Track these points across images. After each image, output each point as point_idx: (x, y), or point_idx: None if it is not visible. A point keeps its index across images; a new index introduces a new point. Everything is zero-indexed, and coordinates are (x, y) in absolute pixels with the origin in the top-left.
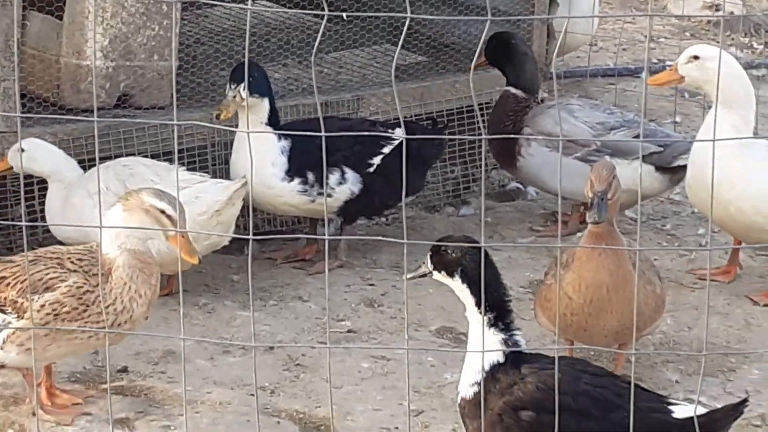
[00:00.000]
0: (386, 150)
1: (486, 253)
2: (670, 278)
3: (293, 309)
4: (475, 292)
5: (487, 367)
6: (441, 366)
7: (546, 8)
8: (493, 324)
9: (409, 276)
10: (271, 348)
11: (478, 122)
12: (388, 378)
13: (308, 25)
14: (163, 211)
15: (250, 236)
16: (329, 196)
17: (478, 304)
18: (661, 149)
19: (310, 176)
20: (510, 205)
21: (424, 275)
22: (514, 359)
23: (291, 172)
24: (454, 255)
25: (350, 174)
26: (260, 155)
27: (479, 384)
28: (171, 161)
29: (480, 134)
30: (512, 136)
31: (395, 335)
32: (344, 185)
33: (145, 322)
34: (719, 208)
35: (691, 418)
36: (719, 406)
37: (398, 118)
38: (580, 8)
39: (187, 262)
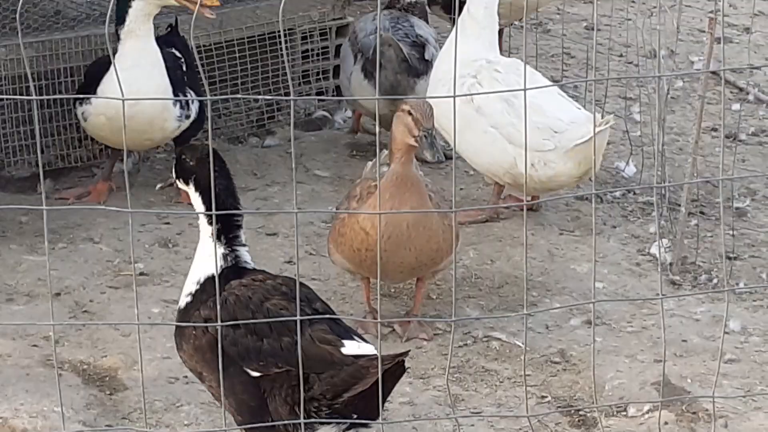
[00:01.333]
0: None
1: (222, 164)
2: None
3: (83, 252)
4: (205, 201)
5: (202, 279)
6: None
7: None
8: (217, 237)
9: (158, 186)
10: (58, 294)
11: (281, 49)
12: None
13: None
14: None
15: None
16: (188, 117)
17: (207, 214)
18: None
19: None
20: (316, 135)
21: (171, 184)
22: (230, 273)
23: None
24: (190, 163)
25: (194, 95)
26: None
27: (192, 294)
28: None
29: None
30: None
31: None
32: (194, 106)
33: None
34: None
35: (357, 356)
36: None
37: (198, 47)
38: None
39: None
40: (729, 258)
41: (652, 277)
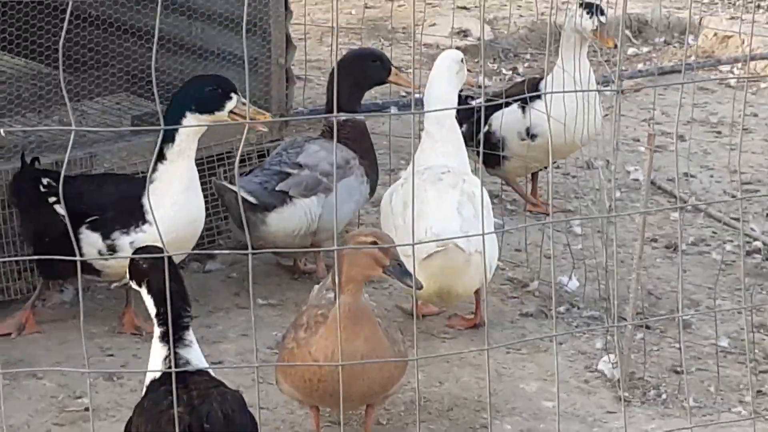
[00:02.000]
0: None
1: (175, 268)
2: (420, 329)
3: (26, 388)
4: (156, 304)
5: (147, 383)
6: None
7: (283, 52)
8: (162, 338)
9: (113, 285)
10: None
11: (226, 171)
12: None
13: (40, 76)
14: None
15: None
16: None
17: (157, 316)
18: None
19: None
20: (257, 258)
21: (126, 285)
22: (169, 377)
23: None
24: (144, 266)
25: None
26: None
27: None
28: None
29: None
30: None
31: None
32: None
33: None
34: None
35: None
36: None
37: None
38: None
39: None
40: (676, 372)
41: (602, 394)
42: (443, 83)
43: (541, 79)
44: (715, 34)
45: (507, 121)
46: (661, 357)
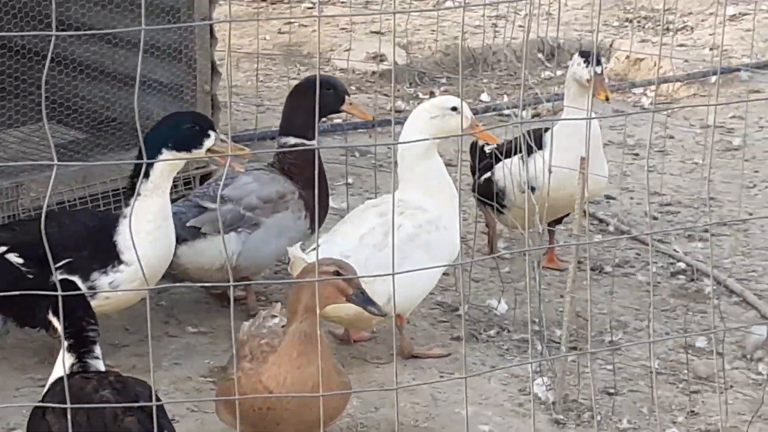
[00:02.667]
0: None
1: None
2: (353, 354)
3: None
4: (64, 320)
5: (48, 385)
6: None
7: (209, 79)
8: (69, 349)
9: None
10: None
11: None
12: None
13: None
14: None
15: None
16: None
17: (65, 331)
18: None
19: None
20: (185, 285)
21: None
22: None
23: None
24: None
25: None
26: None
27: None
28: None
29: None
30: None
31: None
32: None
33: None
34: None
35: None
36: None
37: (63, 202)
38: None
39: None
40: (609, 394)
41: (537, 417)
42: (415, 126)
43: (547, 129)
44: (627, 57)
45: (508, 172)
46: (592, 379)
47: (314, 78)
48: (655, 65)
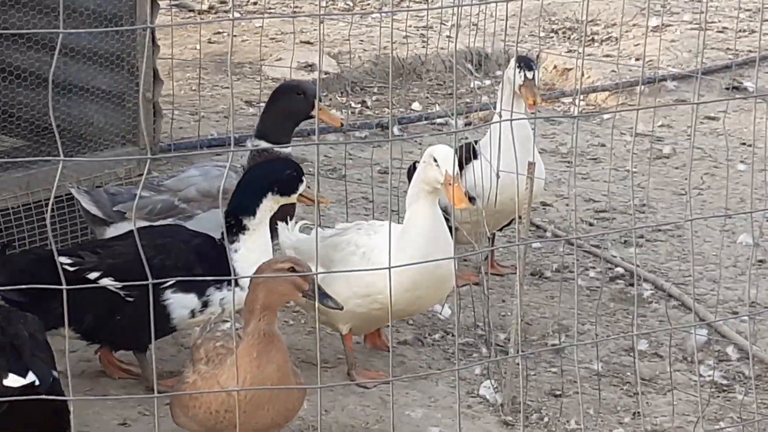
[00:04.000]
0: None
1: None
2: (300, 358)
3: None
4: None
5: None
6: None
7: (151, 86)
8: None
9: None
10: None
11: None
12: None
13: None
14: None
15: None
16: None
17: None
18: None
19: None
20: None
21: None
22: None
23: None
24: None
25: None
26: None
27: None
28: None
29: None
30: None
31: None
32: None
33: None
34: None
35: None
36: None
37: (6, 209)
38: None
39: None
40: (555, 396)
41: (485, 419)
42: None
43: (477, 142)
44: (555, 67)
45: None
46: (538, 381)
47: (286, 83)
48: (582, 75)
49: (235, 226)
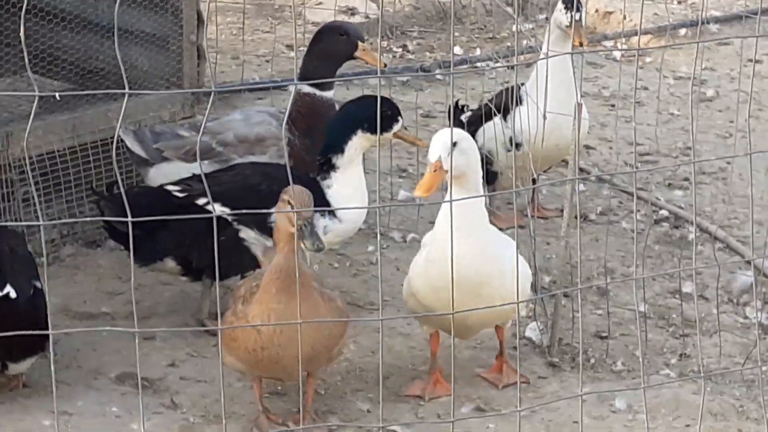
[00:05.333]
0: None
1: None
2: (348, 301)
3: None
4: None
5: None
6: (127, 415)
7: (195, 29)
8: None
9: None
10: None
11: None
12: None
13: None
14: None
15: None
16: None
17: None
18: None
19: None
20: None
21: None
22: None
23: None
24: None
25: None
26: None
27: None
28: None
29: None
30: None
31: (73, 386)
32: None
33: None
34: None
35: None
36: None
37: (53, 152)
38: None
39: None
40: (601, 338)
41: (532, 360)
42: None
43: (522, 85)
44: (596, 11)
45: (490, 134)
46: (584, 323)
47: (328, 24)
48: (624, 18)
49: (325, 164)
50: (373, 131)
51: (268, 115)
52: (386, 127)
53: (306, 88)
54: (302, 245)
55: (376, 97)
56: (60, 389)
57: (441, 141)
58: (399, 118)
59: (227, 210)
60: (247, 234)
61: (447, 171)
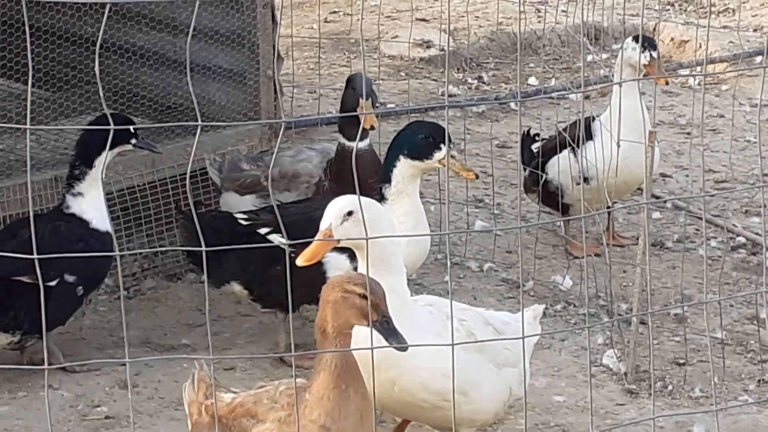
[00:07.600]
0: None
1: None
2: None
3: (44, 399)
4: None
5: None
6: None
7: (271, 64)
8: None
9: None
10: None
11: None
12: None
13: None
14: None
15: None
16: None
17: None
18: None
19: None
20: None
21: None
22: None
23: None
24: None
25: None
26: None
27: None
28: None
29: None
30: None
31: (155, 417)
32: None
33: None
34: (381, 390)
35: None
36: None
37: (133, 187)
38: None
39: None
40: (679, 364)
41: (609, 387)
42: None
43: (595, 118)
44: (672, 39)
45: (561, 167)
46: (661, 350)
47: (352, 75)
48: (700, 47)
49: (377, 196)
50: (415, 157)
51: (317, 152)
52: (428, 153)
53: (341, 138)
54: (390, 344)
55: (423, 122)
56: (141, 419)
57: (336, 208)
58: (442, 144)
59: (284, 240)
60: None
61: (338, 241)
